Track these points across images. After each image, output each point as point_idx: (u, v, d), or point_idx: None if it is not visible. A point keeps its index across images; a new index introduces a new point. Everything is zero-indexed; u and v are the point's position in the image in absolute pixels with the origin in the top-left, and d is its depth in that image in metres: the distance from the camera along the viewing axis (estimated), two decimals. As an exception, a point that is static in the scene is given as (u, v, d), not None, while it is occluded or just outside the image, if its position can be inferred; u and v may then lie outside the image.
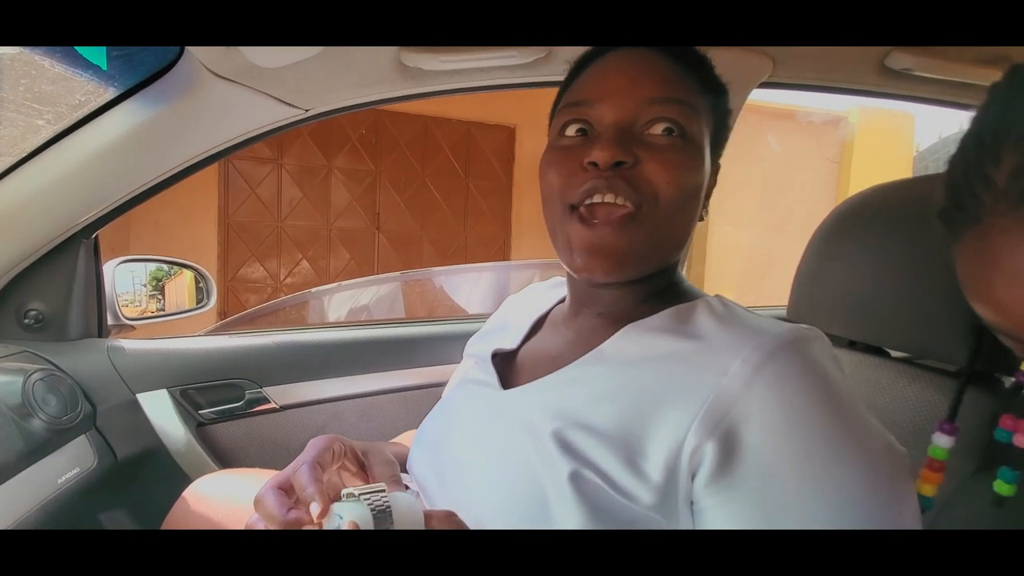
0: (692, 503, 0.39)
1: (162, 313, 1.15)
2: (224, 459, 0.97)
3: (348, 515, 0.34)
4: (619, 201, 0.44)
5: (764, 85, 0.92)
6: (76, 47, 0.68)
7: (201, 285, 1.18)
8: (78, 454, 0.81)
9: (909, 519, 0.37)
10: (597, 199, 0.44)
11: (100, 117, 0.76)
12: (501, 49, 0.75)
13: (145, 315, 1.09)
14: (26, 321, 0.90)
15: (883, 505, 0.36)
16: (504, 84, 0.87)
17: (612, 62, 0.48)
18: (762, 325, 0.42)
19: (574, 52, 0.52)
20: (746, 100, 0.92)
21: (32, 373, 0.79)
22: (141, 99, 0.75)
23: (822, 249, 0.69)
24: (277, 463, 0.91)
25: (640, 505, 0.38)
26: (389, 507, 0.35)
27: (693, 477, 0.38)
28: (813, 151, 4.23)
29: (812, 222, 0.73)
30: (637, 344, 0.45)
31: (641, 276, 0.48)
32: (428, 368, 1.09)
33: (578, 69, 0.51)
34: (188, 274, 1.18)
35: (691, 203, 0.47)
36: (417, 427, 0.62)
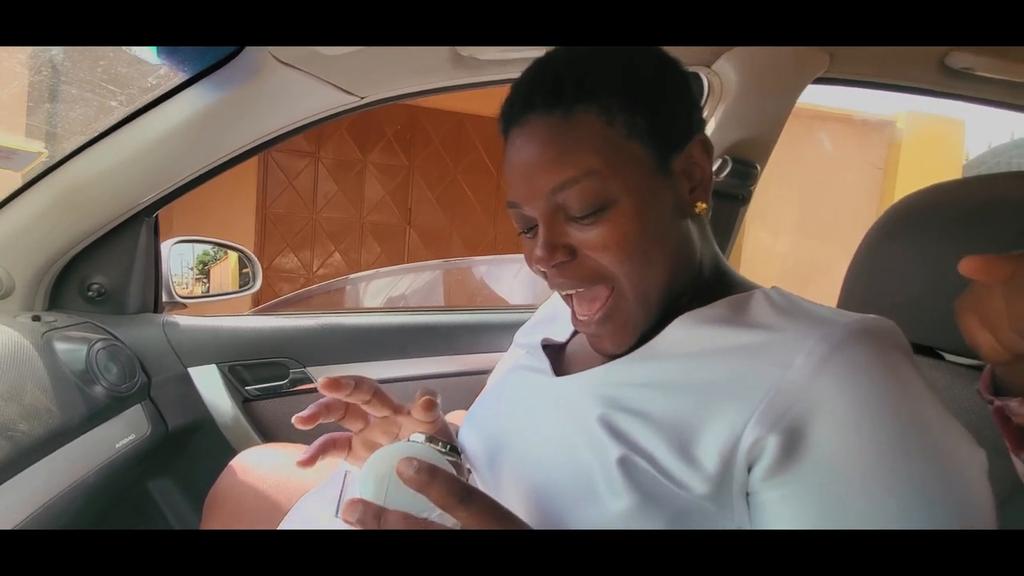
0: (748, 494, 0.38)
1: (210, 293, 1.20)
2: (267, 434, 1.00)
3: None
4: (584, 290, 0.46)
5: (820, 80, 0.90)
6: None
7: (246, 269, 1.22)
8: (133, 422, 0.85)
9: (984, 522, 0.35)
10: (570, 290, 0.47)
11: (168, 100, 0.80)
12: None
13: (193, 294, 1.13)
14: (89, 294, 0.94)
15: (958, 506, 0.34)
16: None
17: (513, 148, 0.45)
18: (828, 315, 0.40)
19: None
20: (800, 94, 0.90)
21: (96, 342, 0.83)
22: (207, 84, 0.78)
23: (876, 247, 0.68)
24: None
25: (692, 494, 0.37)
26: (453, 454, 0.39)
27: (750, 469, 0.37)
28: (857, 156, 4.09)
29: (855, 229, 0.71)
30: (692, 336, 0.44)
31: (658, 310, 0.46)
32: (470, 356, 1.10)
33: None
34: (232, 258, 1.22)
35: (656, 245, 0.44)
36: (461, 410, 0.63)
